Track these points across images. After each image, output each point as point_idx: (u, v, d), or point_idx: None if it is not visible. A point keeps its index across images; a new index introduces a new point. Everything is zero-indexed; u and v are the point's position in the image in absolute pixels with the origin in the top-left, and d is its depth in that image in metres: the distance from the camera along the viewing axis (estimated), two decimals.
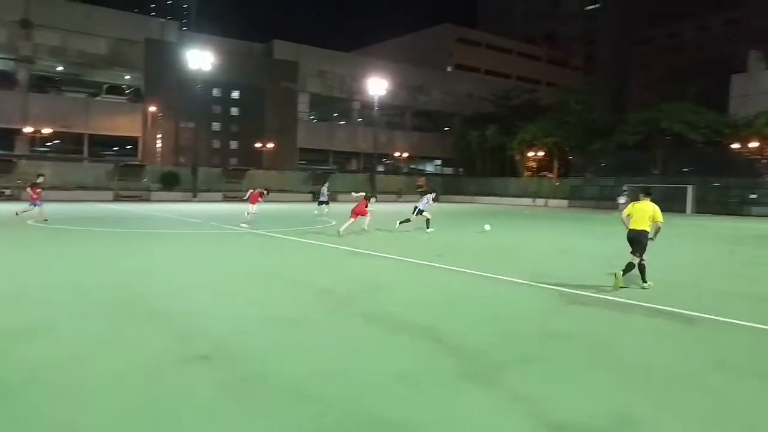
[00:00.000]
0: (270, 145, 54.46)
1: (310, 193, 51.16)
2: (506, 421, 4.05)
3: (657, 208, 9.42)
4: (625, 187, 34.80)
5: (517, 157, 55.12)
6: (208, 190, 45.73)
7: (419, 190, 37.56)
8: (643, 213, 9.44)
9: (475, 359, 5.47)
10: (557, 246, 16.43)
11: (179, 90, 50.76)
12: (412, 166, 71.92)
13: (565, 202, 48.32)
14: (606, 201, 45.19)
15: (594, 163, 49.18)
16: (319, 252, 13.70)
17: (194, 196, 43.84)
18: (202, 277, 9.76)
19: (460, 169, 68.07)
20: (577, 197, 48.15)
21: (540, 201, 50.83)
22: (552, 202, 49.39)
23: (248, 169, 51.60)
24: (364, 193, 19.51)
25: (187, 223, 21.85)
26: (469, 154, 62.26)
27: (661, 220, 9.44)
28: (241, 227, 19.51)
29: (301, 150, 61.45)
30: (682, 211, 39.52)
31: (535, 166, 54.27)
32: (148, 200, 42.18)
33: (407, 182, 61.09)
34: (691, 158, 42.35)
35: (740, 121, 40.55)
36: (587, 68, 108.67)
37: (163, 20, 59.87)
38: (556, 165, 53.68)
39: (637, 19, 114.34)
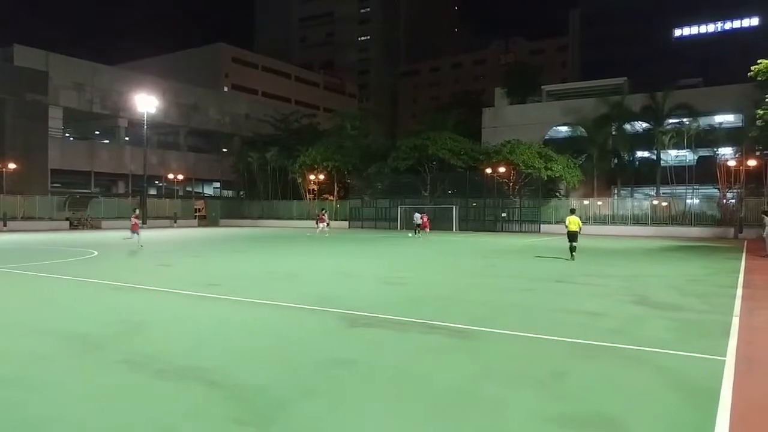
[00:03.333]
0: (12, 166, 46.62)
1: (66, 220, 45.19)
2: None
3: (578, 218, 19.64)
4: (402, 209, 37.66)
5: (299, 180, 55.58)
6: None
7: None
8: (575, 221, 19.06)
9: (252, 399, 4.90)
10: (338, 268, 16.54)
11: None
12: (189, 189, 68.04)
13: (345, 223, 49.92)
14: (383, 221, 47.90)
15: (371, 186, 51.77)
16: (72, 289, 11.77)
17: None
18: None
19: (242, 192, 66.38)
20: (356, 218, 50.14)
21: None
22: (333, 223, 50.67)
23: None
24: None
25: None
26: (251, 177, 61.05)
27: (581, 225, 19.70)
28: None
29: (55, 171, 53.91)
30: (450, 229, 43.58)
31: (317, 189, 55.27)
32: None
33: (183, 206, 57.49)
34: (454, 181, 47.09)
35: (491, 149, 46.19)
36: (362, 95, 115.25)
37: None
38: (336, 187, 55.33)
39: (403, 53, 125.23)
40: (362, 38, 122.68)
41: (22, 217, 43.91)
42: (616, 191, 48.17)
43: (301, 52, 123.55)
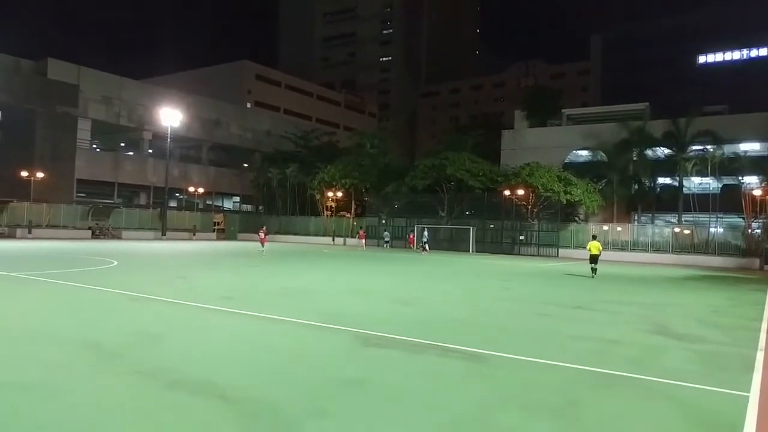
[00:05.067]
0: (40, 175, 47.62)
1: (88, 229, 45.93)
2: None
3: (599, 243, 23.14)
4: (419, 227, 40.40)
5: (318, 197, 55.85)
6: None
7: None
8: (596, 246, 22.49)
9: (263, 416, 4.88)
10: (353, 286, 16.50)
11: None
12: (209, 202, 68.71)
13: (362, 241, 49.89)
14: (399, 240, 47.83)
15: (388, 204, 51.83)
16: (92, 298, 11.89)
17: None
18: None
19: (261, 207, 66.85)
20: (373, 236, 50.12)
21: (339, 240, 51.89)
22: (350, 240, 50.70)
23: (10, 201, 44.52)
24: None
25: None
26: (270, 192, 61.50)
27: (601, 249, 22.99)
28: None
29: (81, 181, 54.86)
30: (467, 250, 43.33)
31: (334, 206, 55.45)
32: None
33: (203, 219, 58.04)
34: (471, 202, 46.90)
35: (509, 171, 46.01)
36: (382, 115, 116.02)
37: None
38: (353, 205, 55.48)
39: (424, 74, 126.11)
40: (384, 59, 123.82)
41: (46, 225, 44.65)
42: (636, 217, 47.55)
43: (323, 71, 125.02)
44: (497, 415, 5.14)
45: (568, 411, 5.32)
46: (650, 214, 46.78)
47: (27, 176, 45.41)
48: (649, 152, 45.85)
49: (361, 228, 48.09)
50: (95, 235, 45.61)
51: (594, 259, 22.41)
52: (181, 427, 4.56)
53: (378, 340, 8.26)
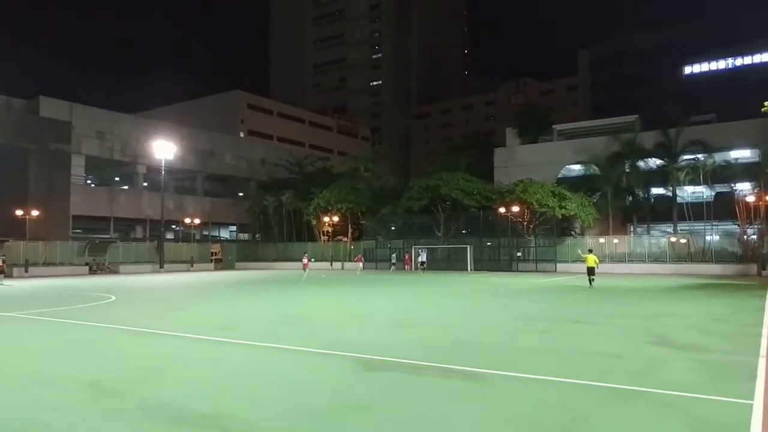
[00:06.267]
0: (35, 213, 47.55)
1: (85, 265, 45.76)
2: None
3: (595, 256, 25.33)
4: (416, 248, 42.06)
5: (314, 222, 55.87)
6: None
7: None
8: (592, 258, 24.45)
9: None
10: (353, 310, 16.45)
11: None
12: (205, 233, 68.63)
13: (359, 265, 49.79)
14: (399, 262, 47.80)
15: (385, 227, 51.84)
16: (89, 335, 11.81)
17: None
18: None
19: (257, 235, 66.80)
20: (370, 260, 50.03)
21: (337, 264, 51.77)
22: (348, 264, 50.60)
23: (6, 240, 44.34)
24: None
25: None
26: (266, 220, 61.52)
27: (597, 261, 25.42)
28: None
29: (77, 217, 54.80)
30: (465, 269, 43.28)
31: (331, 231, 55.44)
32: None
33: (200, 249, 57.90)
34: (467, 221, 46.94)
35: (503, 189, 46.14)
36: (375, 138, 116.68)
37: None
38: (350, 229, 55.50)
39: (415, 96, 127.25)
40: (374, 83, 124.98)
41: (43, 263, 44.48)
42: (632, 229, 47.68)
43: (315, 98, 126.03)
44: None
45: (573, 427, 5.30)
46: (646, 225, 46.92)
47: (22, 215, 45.32)
48: (641, 164, 46.14)
49: (359, 253, 48.71)
50: (92, 271, 45.43)
51: (591, 271, 24.54)
52: None
53: (380, 364, 8.23)
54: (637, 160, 45.84)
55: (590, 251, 26.39)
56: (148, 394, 6.73)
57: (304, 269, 34.86)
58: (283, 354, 9.34)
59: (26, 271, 41.48)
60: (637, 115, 52.40)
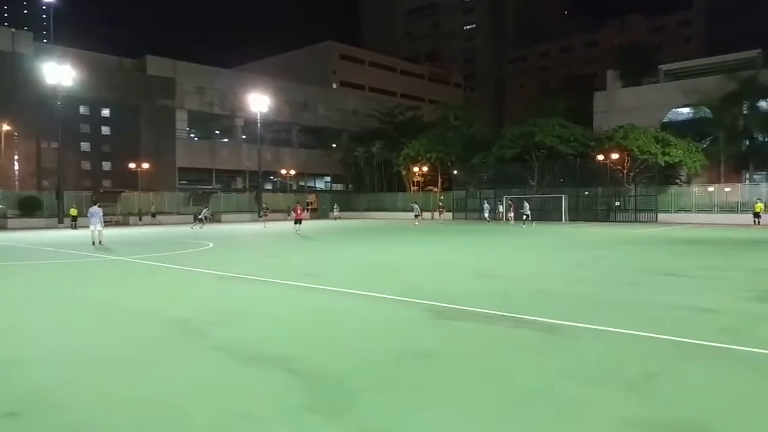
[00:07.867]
0: (146, 166, 51.26)
1: (191, 215, 48.84)
2: None
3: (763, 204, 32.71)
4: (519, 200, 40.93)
5: (404, 173, 56.05)
6: (73, 216, 41.86)
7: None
8: (760, 206, 32.02)
9: (327, 388, 5.00)
10: (434, 260, 16.46)
11: (39, 107, 46.42)
12: (302, 183, 71.00)
13: (449, 215, 49.63)
14: (491, 212, 46.98)
15: (475, 177, 51.03)
16: (183, 278, 12.69)
17: (60, 222, 40.12)
18: (36, 315, 8.52)
19: (350, 185, 68.18)
20: (461, 210, 49.66)
21: (427, 214, 51.89)
22: (436, 215, 50.58)
23: (122, 191, 48.26)
24: None
25: (40, 253, 19.59)
26: (357, 170, 62.51)
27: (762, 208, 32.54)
28: (99, 256, 17.81)
29: (182, 169, 58.51)
30: (559, 219, 41.91)
31: (421, 181, 55.44)
32: (3, 228, 38.15)
33: (297, 199, 59.98)
34: (563, 170, 45.11)
35: (602, 135, 43.72)
36: (467, 85, 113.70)
37: (14, 30, 53.88)
38: (440, 179, 55.16)
39: (510, 40, 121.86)
40: (468, 27, 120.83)
41: (153, 214, 48.07)
42: (747, 176, 43.78)
43: (406, 45, 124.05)
44: (565, 388, 4.95)
45: (644, 383, 5.02)
46: (765, 172, 42.90)
47: (135, 168, 48.94)
48: (763, 104, 41.89)
49: (440, 203, 50.34)
50: (198, 220, 48.44)
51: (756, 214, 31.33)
52: (249, 399, 4.76)
53: (452, 313, 8.21)
54: (759, 100, 41.63)
55: (758, 200, 32.32)
56: (226, 334, 7.14)
57: (298, 222, 28.52)
58: (361, 300, 9.54)
59: (140, 219, 44.99)
60: (760, 50, 47.18)
